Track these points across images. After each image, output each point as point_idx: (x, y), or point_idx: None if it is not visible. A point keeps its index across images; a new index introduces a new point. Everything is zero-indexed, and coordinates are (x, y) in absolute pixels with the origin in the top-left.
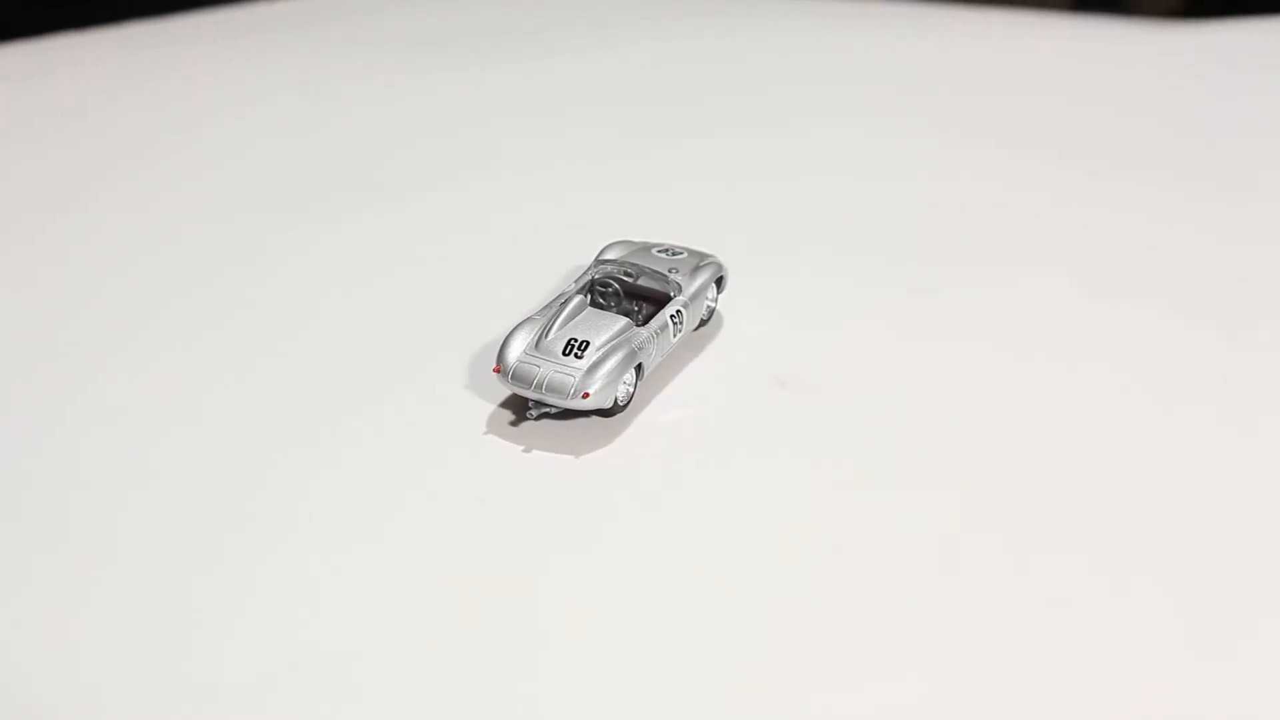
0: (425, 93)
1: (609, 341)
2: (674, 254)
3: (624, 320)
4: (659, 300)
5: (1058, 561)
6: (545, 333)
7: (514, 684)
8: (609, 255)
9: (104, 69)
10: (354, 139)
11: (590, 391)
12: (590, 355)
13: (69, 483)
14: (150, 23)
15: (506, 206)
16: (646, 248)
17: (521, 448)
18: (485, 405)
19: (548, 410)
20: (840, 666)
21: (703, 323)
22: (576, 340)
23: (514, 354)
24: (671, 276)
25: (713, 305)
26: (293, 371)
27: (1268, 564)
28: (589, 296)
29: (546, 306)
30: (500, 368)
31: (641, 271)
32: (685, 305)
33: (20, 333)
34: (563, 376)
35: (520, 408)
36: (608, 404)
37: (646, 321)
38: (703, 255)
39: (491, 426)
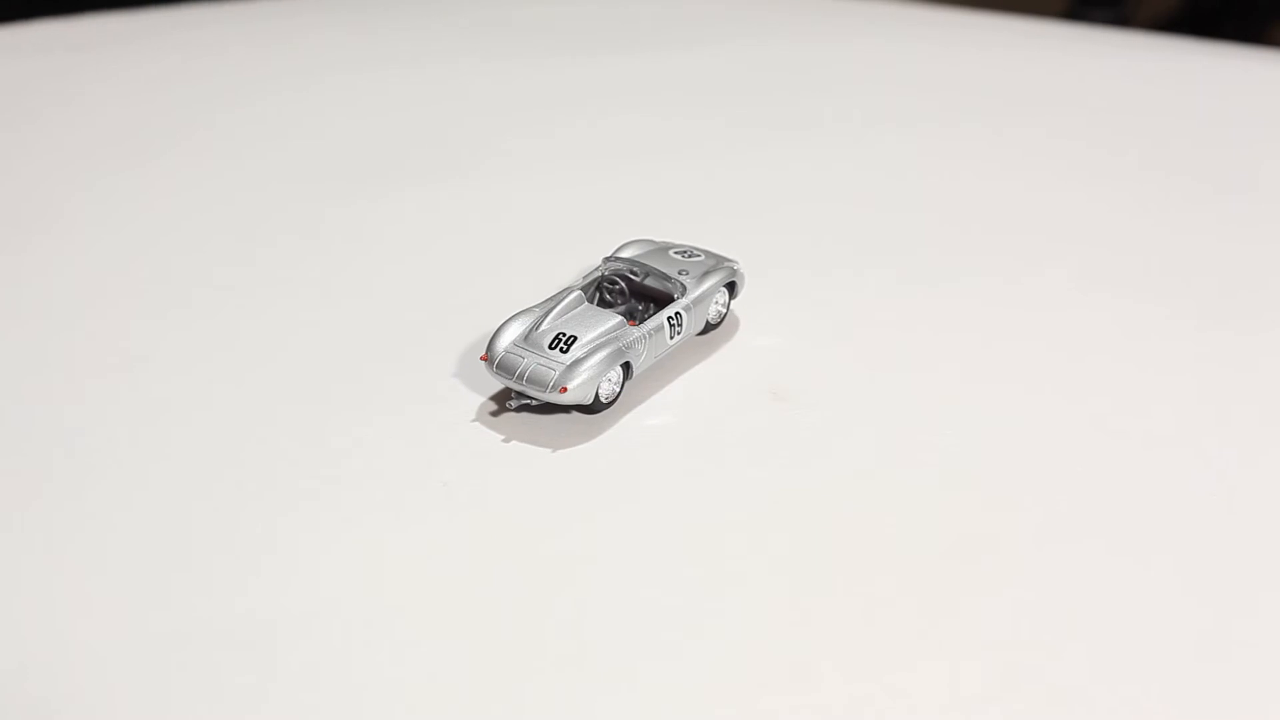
0: (443, 81)
1: (597, 338)
2: (690, 256)
3: (617, 318)
4: (664, 301)
5: (1060, 558)
6: (537, 325)
7: (512, 683)
8: (625, 253)
9: (108, 56)
10: (363, 132)
11: (568, 386)
12: (575, 351)
13: (70, 474)
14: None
15: (521, 203)
16: (665, 248)
17: (502, 438)
18: (483, 400)
19: (528, 402)
20: (839, 666)
21: (711, 327)
22: (565, 335)
23: (502, 344)
24: (678, 278)
25: (723, 310)
26: (295, 368)
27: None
28: (597, 293)
29: (547, 300)
30: (488, 356)
31: (649, 271)
32: (687, 308)
33: (18, 330)
34: (544, 369)
35: (505, 399)
36: (587, 400)
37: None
38: (720, 259)
39: (484, 420)
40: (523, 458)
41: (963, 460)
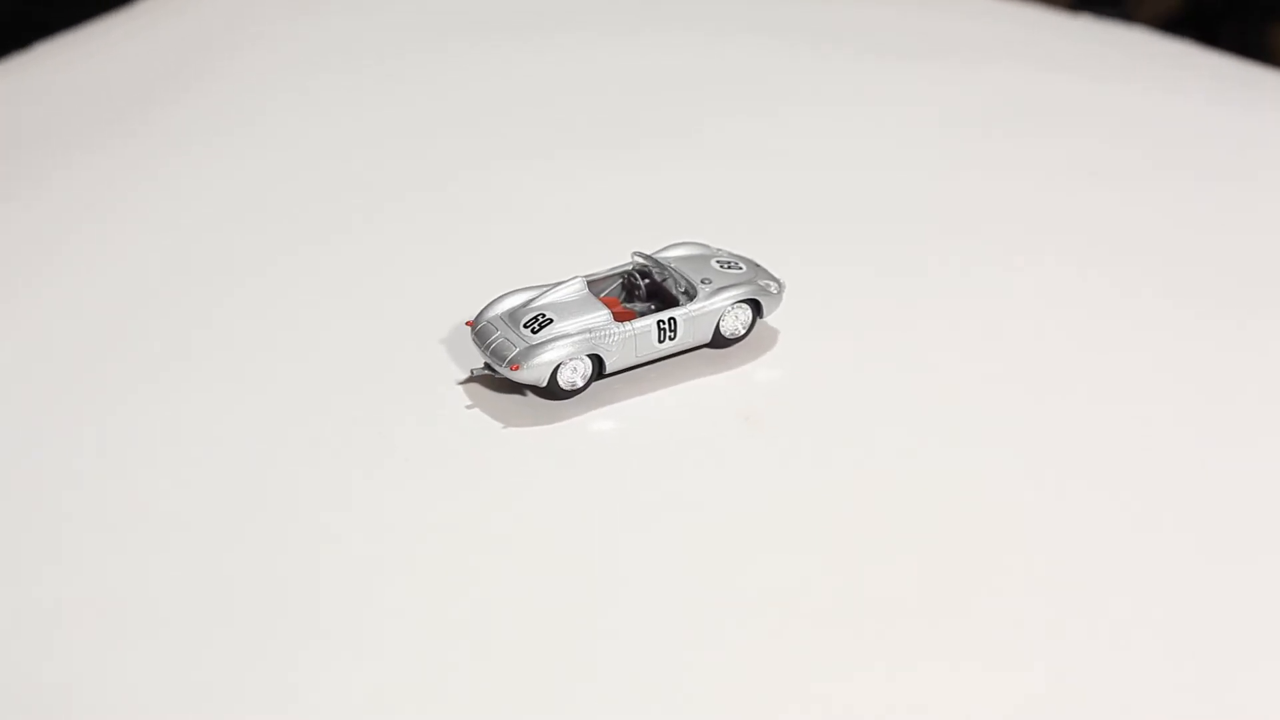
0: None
1: (573, 326)
2: (731, 267)
3: (604, 311)
4: (673, 305)
5: (1061, 558)
6: (527, 304)
7: (512, 683)
8: (668, 254)
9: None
10: (389, 124)
11: (520, 365)
12: (545, 333)
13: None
14: None
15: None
16: (710, 255)
17: (468, 405)
18: (484, 392)
19: (488, 373)
20: (838, 668)
21: (728, 341)
22: (543, 317)
23: (488, 315)
24: (696, 285)
25: (740, 329)
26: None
27: None
28: (623, 289)
29: (553, 283)
30: (472, 323)
31: (669, 274)
32: (685, 316)
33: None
34: (507, 344)
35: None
36: (542, 383)
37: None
38: (758, 274)
39: (480, 405)
40: (518, 453)
41: (963, 461)
